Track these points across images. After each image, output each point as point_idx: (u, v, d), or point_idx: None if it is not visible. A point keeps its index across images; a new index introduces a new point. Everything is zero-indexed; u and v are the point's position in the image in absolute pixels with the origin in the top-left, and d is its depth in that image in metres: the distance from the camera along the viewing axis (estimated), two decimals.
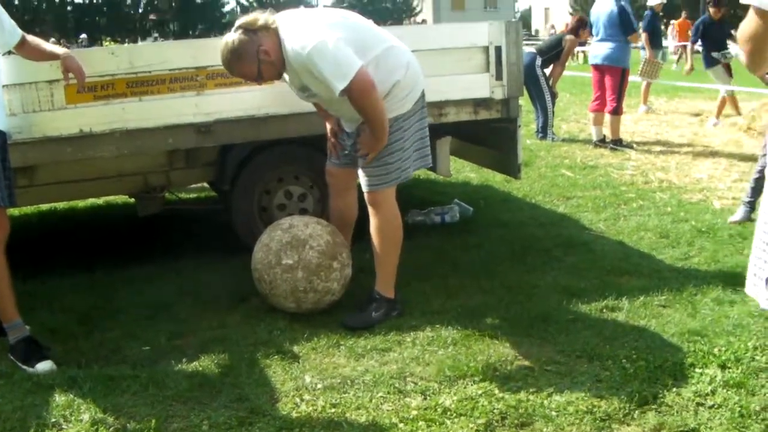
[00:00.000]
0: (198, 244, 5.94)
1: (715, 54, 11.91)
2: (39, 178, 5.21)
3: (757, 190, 6.42)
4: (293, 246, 4.58)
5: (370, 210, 4.54)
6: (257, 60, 4.19)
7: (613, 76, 10.31)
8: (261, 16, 4.21)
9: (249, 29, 4.19)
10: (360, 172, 4.54)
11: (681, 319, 4.45)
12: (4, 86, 4.63)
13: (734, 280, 4.99)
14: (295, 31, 4.17)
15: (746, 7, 2.44)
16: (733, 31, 13.50)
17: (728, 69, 12.24)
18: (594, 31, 10.66)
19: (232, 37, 4.20)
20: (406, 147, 4.49)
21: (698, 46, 12.46)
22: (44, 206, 7.50)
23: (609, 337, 4.23)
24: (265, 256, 4.62)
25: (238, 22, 4.24)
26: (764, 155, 6.32)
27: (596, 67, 10.59)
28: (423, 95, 4.56)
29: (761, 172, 6.41)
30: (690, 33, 13.34)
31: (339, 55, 4.08)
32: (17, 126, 4.74)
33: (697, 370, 3.81)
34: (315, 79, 4.20)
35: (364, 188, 4.53)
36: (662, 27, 13.66)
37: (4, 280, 4.15)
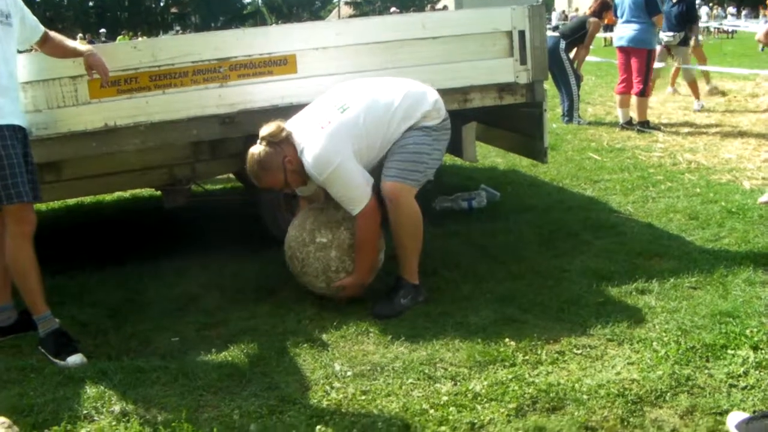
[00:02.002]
0: (225, 235, 5.95)
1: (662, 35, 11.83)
2: (65, 173, 5.23)
3: None
4: (328, 225, 4.60)
5: (389, 203, 4.52)
6: (283, 169, 4.43)
7: (639, 57, 10.23)
8: (282, 126, 4.44)
9: (273, 141, 4.40)
10: (388, 162, 4.56)
11: (712, 301, 4.41)
12: (28, 83, 4.67)
13: (765, 260, 4.97)
14: (310, 147, 4.38)
15: None
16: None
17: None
18: (619, 13, 10.55)
19: (258, 149, 4.42)
20: (431, 154, 4.60)
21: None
22: (71, 201, 7.54)
23: (639, 319, 4.20)
24: (299, 234, 4.64)
25: (262, 133, 4.42)
26: None
27: (622, 49, 10.50)
28: (447, 120, 4.74)
29: None
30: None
31: (351, 185, 4.39)
32: (42, 122, 4.77)
33: (729, 351, 3.77)
34: None
35: (388, 178, 4.51)
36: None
37: (33, 273, 4.17)
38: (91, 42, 33.29)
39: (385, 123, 4.50)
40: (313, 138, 4.38)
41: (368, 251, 4.52)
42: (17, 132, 4.13)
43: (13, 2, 4.23)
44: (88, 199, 7.63)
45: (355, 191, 4.37)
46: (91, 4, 72.64)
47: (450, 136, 4.83)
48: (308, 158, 4.35)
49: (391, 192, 4.47)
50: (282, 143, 4.40)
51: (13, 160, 4.03)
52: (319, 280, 4.61)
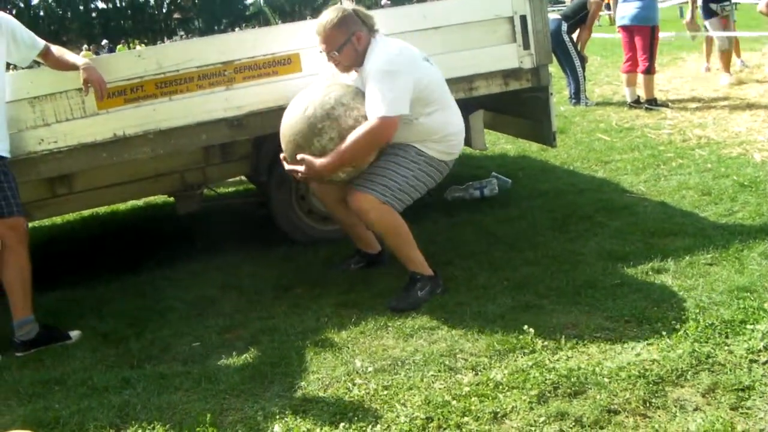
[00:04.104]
0: (239, 237, 5.98)
1: (713, 5, 11.70)
2: (77, 185, 5.27)
3: None
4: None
5: (356, 213, 4.54)
6: (349, 38, 4.41)
7: (643, 35, 10.17)
8: (375, 18, 4.53)
9: (361, 17, 4.47)
10: (368, 172, 4.53)
11: (729, 276, 4.40)
12: (35, 98, 4.70)
13: None
14: (388, 47, 4.42)
15: None
16: None
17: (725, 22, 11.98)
18: None
19: (346, 6, 4.47)
20: (412, 180, 4.55)
21: None
22: (86, 212, 7.58)
23: (657, 299, 4.19)
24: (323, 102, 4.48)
25: (355, 7, 4.50)
26: None
27: (625, 28, 10.45)
28: (443, 170, 4.72)
29: None
30: None
31: (398, 93, 4.29)
32: (52, 136, 4.81)
33: (748, 326, 3.76)
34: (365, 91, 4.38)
35: (354, 187, 4.49)
36: None
37: (24, 276, 4.39)
38: (96, 53, 33.39)
39: (435, 100, 4.52)
40: (397, 46, 4.46)
41: (351, 150, 4.33)
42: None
43: None
44: (102, 209, 7.66)
45: (393, 100, 4.26)
46: (94, 15, 72.84)
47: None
48: (380, 52, 4.37)
49: (356, 202, 4.47)
50: (366, 25, 4.46)
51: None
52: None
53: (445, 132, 4.58)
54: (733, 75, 11.89)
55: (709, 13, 11.89)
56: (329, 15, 4.45)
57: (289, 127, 4.49)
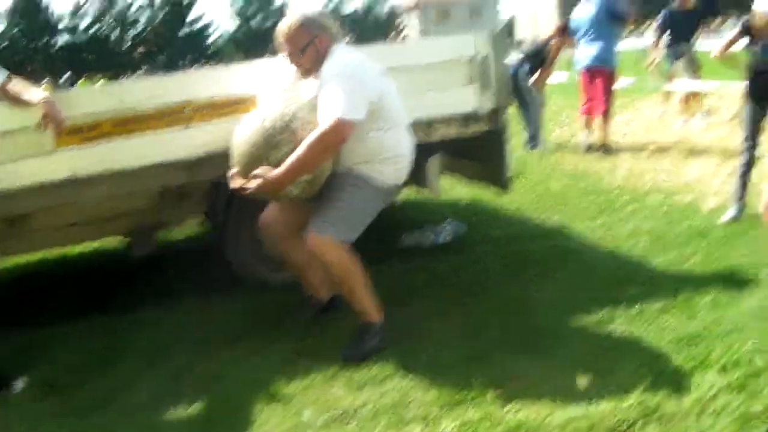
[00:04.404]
0: (194, 281, 5.92)
1: (684, 46, 11.90)
2: (32, 224, 5.19)
3: (744, 187, 6.44)
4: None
5: (315, 255, 4.49)
6: (312, 39, 4.43)
7: (602, 78, 10.31)
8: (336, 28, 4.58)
9: (323, 22, 4.52)
10: (312, 214, 4.50)
11: (679, 324, 4.44)
12: None
13: (730, 280, 5.01)
14: (348, 54, 4.46)
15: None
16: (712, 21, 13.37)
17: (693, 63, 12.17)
18: (578, 35, 10.62)
19: (310, 12, 4.54)
20: (364, 210, 4.56)
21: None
22: (34, 255, 7.46)
23: (607, 347, 4.23)
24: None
25: (320, 11, 4.62)
26: (744, 151, 6.37)
27: (584, 70, 10.59)
28: (392, 194, 4.78)
29: (745, 166, 6.44)
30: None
31: (354, 97, 4.24)
32: (7, 174, 4.71)
33: (697, 374, 3.80)
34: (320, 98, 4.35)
35: (309, 229, 4.44)
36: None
37: None
38: (56, 87, 33.16)
39: (390, 118, 4.52)
40: (357, 55, 4.50)
41: (305, 155, 4.23)
42: None
43: None
44: (50, 252, 7.55)
45: (349, 102, 4.20)
46: (57, 49, 72.68)
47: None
48: (339, 57, 4.40)
49: (313, 243, 4.42)
50: (327, 31, 4.49)
51: None
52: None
53: (396, 152, 4.56)
54: (690, 118, 12.09)
55: (676, 55, 12.07)
56: (293, 16, 4.50)
57: (244, 139, 4.41)
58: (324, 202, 4.49)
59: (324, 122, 4.21)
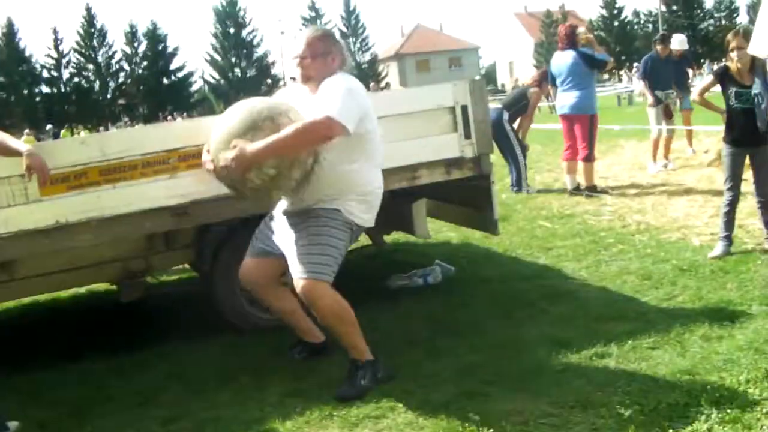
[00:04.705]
0: (182, 325, 5.90)
1: (658, 93, 12.03)
2: (18, 272, 5.19)
3: (729, 224, 6.52)
4: None
5: (307, 301, 4.51)
6: (327, 52, 4.59)
7: (582, 124, 10.41)
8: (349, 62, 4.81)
9: (343, 48, 4.73)
10: (295, 258, 4.49)
11: (671, 360, 4.46)
12: None
13: (720, 315, 5.04)
14: (351, 78, 4.60)
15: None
16: (692, 71, 13.54)
17: (667, 110, 12.30)
18: (558, 82, 10.74)
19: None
20: (340, 248, 4.54)
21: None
22: (26, 300, 7.44)
23: (601, 384, 4.23)
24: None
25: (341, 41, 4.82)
26: (728, 188, 6.44)
27: (564, 117, 10.69)
28: (358, 234, 4.79)
29: (729, 205, 6.51)
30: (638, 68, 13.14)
31: (350, 108, 4.33)
32: None
33: (691, 409, 3.81)
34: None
35: (300, 275, 4.43)
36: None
37: None
38: (38, 138, 33.20)
39: (372, 153, 4.61)
40: (357, 81, 4.63)
41: (286, 138, 4.24)
42: None
43: None
44: (43, 297, 7.54)
45: (343, 108, 4.28)
46: (38, 99, 72.85)
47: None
48: (341, 77, 4.52)
49: (306, 290, 4.42)
50: (342, 56, 4.67)
51: None
52: None
53: (371, 187, 4.60)
54: (662, 164, 12.21)
55: (655, 101, 12.20)
56: (323, 28, 4.72)
57: (229, 116, 4.47)
58: (300, 244, 4.48)
59: (317, 115, 4.29)
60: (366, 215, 4.63)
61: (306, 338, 5.12)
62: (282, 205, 4.74)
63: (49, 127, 46.33)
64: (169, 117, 64.58)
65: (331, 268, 4.46)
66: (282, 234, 4.66)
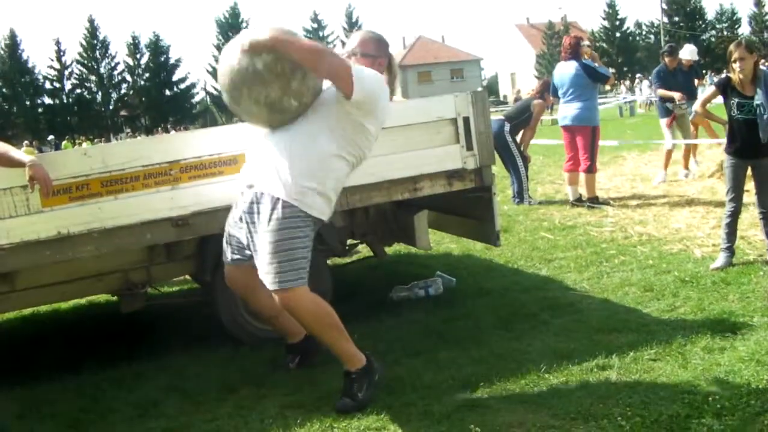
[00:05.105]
0: (183, 337, 5.90)
1: (668, 105, 12.04)
2: (19, 283, 5.20)
3: (731, 235, 6.52)
4: None
5: (288, 312, 4.48)
6: (377, 55, 4.65)
7: (584, 135, 10.42)
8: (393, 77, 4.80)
9: (393, 60, 4.78)
10: (264, 269, 4.41)
11: (673, 371, 4.45)
12: None
13: (722, 327, 5.03)
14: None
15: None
16: (697, 81, 13.55)
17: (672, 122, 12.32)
18: (560, 93, 10.75)
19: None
20: (306, 246, 4.44)
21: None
22: (26, 311, 7.45)
23: (603, 395, 4.21)
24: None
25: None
26: (730, 200, 6.44)
27: (566, 128, 10.70)
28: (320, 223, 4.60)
29: (731, 216, 6.51)
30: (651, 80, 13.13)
31: (371, 83, 4.35)
32: None
33: (693, 421, 3.80)
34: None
35: (273, 287, 4.37)
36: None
37: None
38: (40, 149, 33.26)
39: (361, 155, 4.55)
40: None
41: (308, 46, 4.28)
42: None
43: None
44: (44, 307, 7.54)
45: (365, 77, 4.31)
46: (40, 110, 73.00)
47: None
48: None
49: (284, 301, 4.39)
50: (387, 65, 4.70)
51: None
52: None
53: (338, 185, 4.53)
54: (683, 174, 12.24)
55: (664, 112, 12.22)
56: (376, 32, 4.75)
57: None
58: (265, 252, 4.37)
59: (346, 62, 4.34)
60: (326, 209, 4.50)
61: (291, 340, 5.12)
62: (241, 204, 4.60)
63: (50, 138, 46.39)
64: (159, 129, 64.64)
65: (303, 270, 4.38)
66: (248, 239, 4.56)
